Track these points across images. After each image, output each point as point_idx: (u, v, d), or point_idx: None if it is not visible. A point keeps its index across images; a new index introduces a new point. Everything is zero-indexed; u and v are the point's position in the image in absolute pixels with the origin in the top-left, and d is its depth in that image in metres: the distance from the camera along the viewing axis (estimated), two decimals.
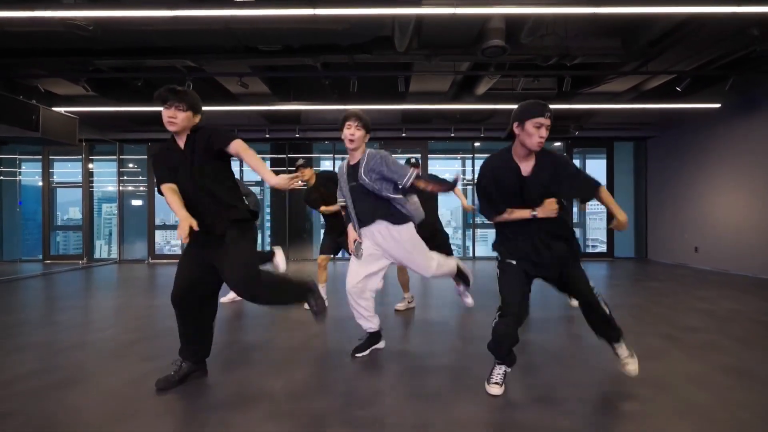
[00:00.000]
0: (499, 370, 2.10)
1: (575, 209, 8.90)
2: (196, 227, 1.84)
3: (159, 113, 2.04)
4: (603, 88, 6.01)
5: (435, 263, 2.54)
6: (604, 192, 2.04)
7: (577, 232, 9.15)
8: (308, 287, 2.34)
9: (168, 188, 2.00)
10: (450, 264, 2.70)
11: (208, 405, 1.99)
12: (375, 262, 2.47)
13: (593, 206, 9.46)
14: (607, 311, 2.04)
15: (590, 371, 2.39)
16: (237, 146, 1.98)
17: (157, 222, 9.01)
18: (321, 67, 4.94)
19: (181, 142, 2.06)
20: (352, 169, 2.43)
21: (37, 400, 2.06)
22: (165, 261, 8.70)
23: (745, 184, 6.32)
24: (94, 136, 8.11)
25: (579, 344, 2.91)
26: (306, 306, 2.37)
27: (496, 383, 2.06)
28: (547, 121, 1.87)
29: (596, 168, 9.04)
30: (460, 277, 2.86)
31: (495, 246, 2.14)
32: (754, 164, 6.17)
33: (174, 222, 9.67)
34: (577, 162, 9.09)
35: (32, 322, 3.66)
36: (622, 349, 2.14)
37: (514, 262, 2.03)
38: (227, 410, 1.93)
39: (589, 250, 9.10)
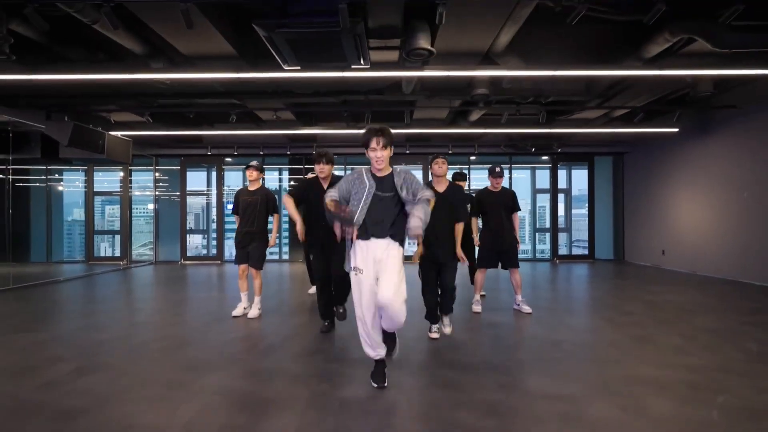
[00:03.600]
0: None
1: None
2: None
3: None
4: (578, 116, 7.07)
5: (403, 299, 2.30)
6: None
7: (563, 235, 10.20)
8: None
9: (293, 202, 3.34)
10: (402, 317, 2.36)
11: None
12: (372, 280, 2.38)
13: (576, 212, 10.51)
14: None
15: (531, 339, 3.47)
16: None
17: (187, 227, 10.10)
18: (341, 104, 6.03)
19: (325, 184, 3.40)
20: (380, 181, 2.42)
21: (167, 353, 3.13)
22: (195, 262, 9.78)
23: (703, 195, 7.37)
24: (135, 152, 9.19)
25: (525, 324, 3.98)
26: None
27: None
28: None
29: (579, 179, 10.11)
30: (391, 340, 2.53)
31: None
32: (709, 179, 7.23)
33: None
34: (562, 173, 10.15)
35: (123, 310, 4.76)
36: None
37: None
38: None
39: (574, 252, 10.15)
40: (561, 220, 10.01)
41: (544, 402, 2.25)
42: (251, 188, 4.23)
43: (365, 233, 2.40)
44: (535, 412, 2.14)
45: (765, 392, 2.36)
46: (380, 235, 2.40)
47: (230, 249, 11.37)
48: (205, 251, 10.68)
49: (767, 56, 4.13)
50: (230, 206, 4.31)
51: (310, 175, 3.78)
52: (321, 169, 3.40)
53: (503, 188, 4.40)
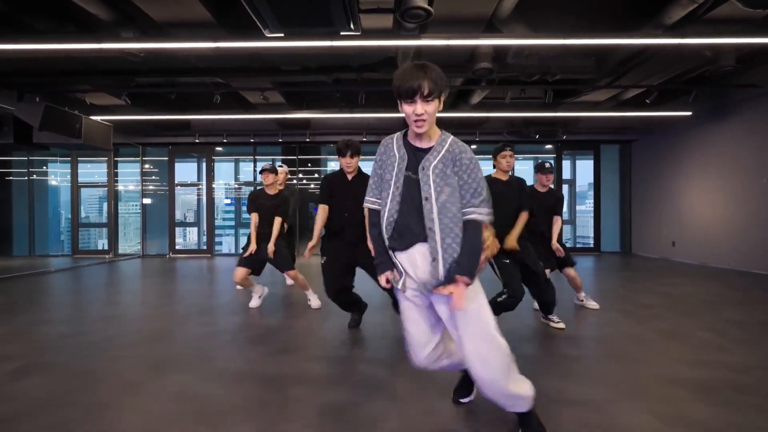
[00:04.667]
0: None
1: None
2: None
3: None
4: (585, 98, 6.67)
5: (504, 346, 1.50)
6: None
7: (568, 228, 9.81)
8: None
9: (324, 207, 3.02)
10: (524, 387, 1.57)
11: (267, 351, 2.69)
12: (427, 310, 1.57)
13: (582, 205, 10.13)
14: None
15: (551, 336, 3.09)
16: None
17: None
18: (333, 83, 5.61)
19: (350, 177, 2.97)
20: (421, 153, 1.52)
21: (148, 344, 2.75)
22: (184, 256, 9.39)
23: (717, 184, 6.98)
24: (120, 140, 8.78)
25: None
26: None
27: None
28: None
29: (584, 169, 9.71)
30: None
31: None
32: (724, 166, 6.83)
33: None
34: (566, 163, 9.73)
35: (95, 303, 4.37)
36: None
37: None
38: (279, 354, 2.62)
39: (579, 245, 9.76)
40: (565, 214, 9.63)
41: (565, 408, 1.87)
42: (271, 192, 3.91)
43: (400, 239, 1.51)
44: (555, 420, 1.76)
45: None
46: (424, 240, 1.48)
47: (224, 242, 11.01)
48: (195, 246, 10.29)
49: None
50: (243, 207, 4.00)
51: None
52: (348, 163, 2.91)
53: (550, 189, 3.60)
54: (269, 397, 2.01)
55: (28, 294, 4.90)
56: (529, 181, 3.33)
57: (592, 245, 9.40)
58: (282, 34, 3.69)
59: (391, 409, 1.88)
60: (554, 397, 1.98)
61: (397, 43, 3.97)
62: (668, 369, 2.33)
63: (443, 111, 7.16)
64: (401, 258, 1.53)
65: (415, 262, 1.50)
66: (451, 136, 1.55)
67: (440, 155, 1.49)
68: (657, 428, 1.70)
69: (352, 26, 3.55)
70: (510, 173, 3.01)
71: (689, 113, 6.77)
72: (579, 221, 9.96)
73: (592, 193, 9.55)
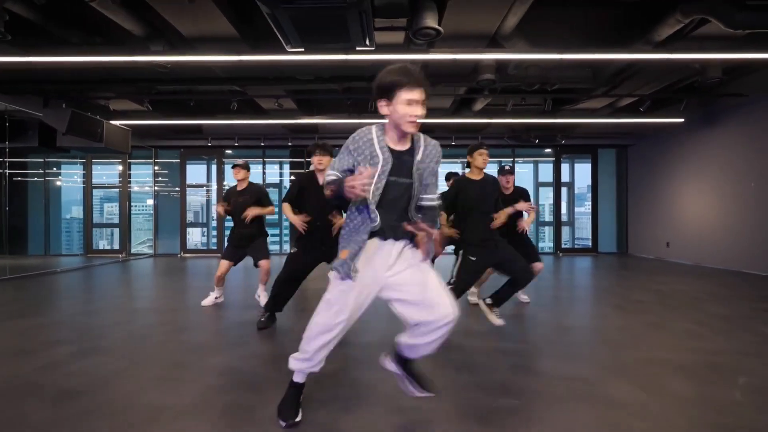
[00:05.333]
0: None
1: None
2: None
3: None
4: (583, 105, 6.99)
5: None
6: None
7: (566, 230, 10.13)
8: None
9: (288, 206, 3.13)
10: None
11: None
12: (368, 296, 1.64)
13: (580, 207, 10.44)
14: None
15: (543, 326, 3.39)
16: None
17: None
18: (343, 91, 5.93)
19: (320, 179, 3.01)
20: (399, 157, 1.58)
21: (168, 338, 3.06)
22: (195, 255, 9.68)
23: (709, 187, 7.30)
24: (134, 143, 9.08)
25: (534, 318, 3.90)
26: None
27: None
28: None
29: (583, 172, 10.04)
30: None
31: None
32: (714, 170, 7.16)
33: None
34: (565, 166, 10.05)
35: (121, 298, 4.67)
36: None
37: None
38: None
39: (577, 246, 10.08)
40: (564, 216, 9.94)
41: (561, 382, 2.17)
42: (240, 188, 3.98)
43: (380, 230, 1.59)
44: (552, 391, 2.07)
45: None
46: (397, 237, 1.62)
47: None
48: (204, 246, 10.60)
49: None
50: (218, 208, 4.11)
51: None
52: (319, 161, 3.08)
53: (516, 188, 3.81)
54: None
55: (52, 291, 5.20)
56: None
57: (589, 246, 9.72)
58: (302, 49, 4.01)
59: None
60: (549, 374, 2.29)
61: (408, 57, 4.29)
62: (651, 353, 2.64)
63: (446, 116, 7.48)
64: (374, 245, 1.61)
65: (384, 251, 1.61)
66: (421, 134, 1.64)
67: (422, 155, 1.61)
68: (641, 398, 2.01)
69: (367, 42, 3.87)
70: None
71: (681, 120, 7.10)
72: (577, 223, 10.27)
73: (590, 195, 9.88)
